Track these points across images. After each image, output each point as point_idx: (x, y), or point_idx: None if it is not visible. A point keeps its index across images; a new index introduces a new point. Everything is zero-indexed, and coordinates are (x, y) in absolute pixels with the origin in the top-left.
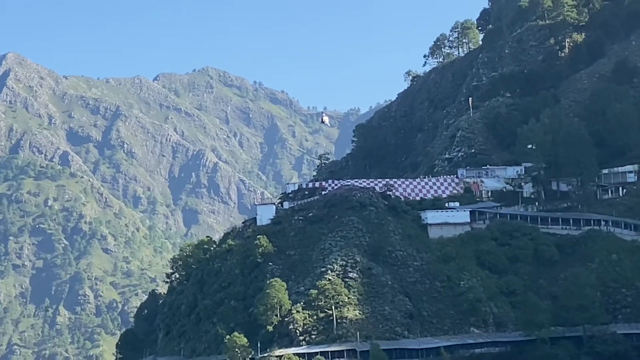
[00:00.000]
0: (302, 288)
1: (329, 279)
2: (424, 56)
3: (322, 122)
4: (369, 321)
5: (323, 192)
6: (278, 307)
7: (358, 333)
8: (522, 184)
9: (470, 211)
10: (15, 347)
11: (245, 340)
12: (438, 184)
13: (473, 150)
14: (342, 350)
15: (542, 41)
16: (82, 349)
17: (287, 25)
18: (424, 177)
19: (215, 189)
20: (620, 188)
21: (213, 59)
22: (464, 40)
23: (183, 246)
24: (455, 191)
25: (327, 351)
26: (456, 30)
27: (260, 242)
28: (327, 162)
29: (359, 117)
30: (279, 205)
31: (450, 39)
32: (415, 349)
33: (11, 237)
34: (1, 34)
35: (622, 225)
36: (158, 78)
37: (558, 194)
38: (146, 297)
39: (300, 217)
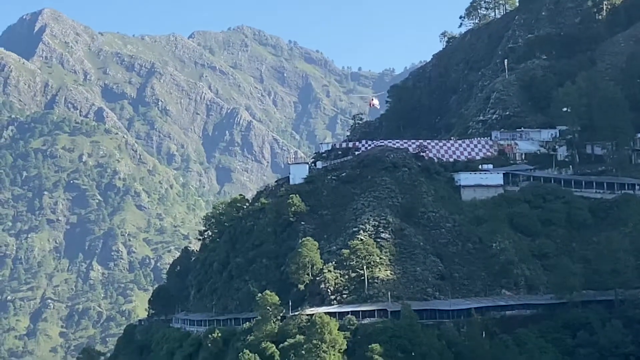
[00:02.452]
0: (334, 247)
1: (361, 239)
2: (460, 17)
3: (371, 106)
4: (400, 281)
5: (356, 152)
6: (310, 266)
7: (389, 293)
8: (557, 147)
9: (503, 173)
10: (49, 301)
11: (277, 298)
12: (472, 145)
13: (507, 113)
14: (373, 310)
15: (579, 3)
16: (115, 304)
17: None
18: (458, 139)
19: (249, 147)
20: None
21: (248, 17)
22: (500, 2)
23: (216, 204)
24: (488, 153)
25: (358, 311)
26: None
27: (292, 201)
28: (360, 122)
29: (394, 77)
30: (312, 164)
31: (487, 0)
32: (446, 310)
33: (46, 192)
34: None
35: None
36: (193, 36)
37: (592, 158)
38: (179, 254)
39: (333, 177)
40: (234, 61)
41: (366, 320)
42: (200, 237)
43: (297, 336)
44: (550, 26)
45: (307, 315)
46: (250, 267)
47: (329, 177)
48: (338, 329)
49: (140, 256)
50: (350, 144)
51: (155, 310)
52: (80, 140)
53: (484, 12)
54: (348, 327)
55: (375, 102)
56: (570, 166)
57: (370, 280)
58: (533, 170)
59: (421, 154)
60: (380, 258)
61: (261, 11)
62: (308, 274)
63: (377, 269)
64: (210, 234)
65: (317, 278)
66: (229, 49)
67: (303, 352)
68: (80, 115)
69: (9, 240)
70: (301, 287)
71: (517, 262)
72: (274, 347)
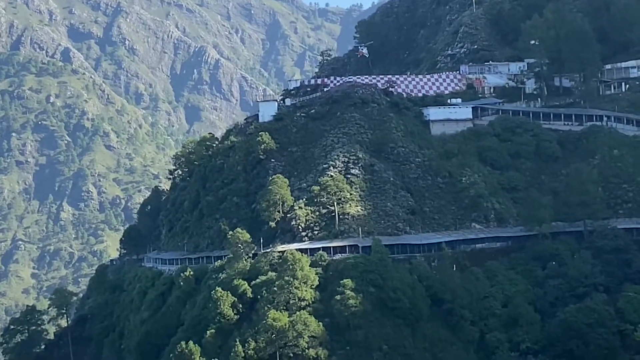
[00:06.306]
0: (305, 184)
1: (331, 175)
2: None
3: (360, 56)
4: (371, 217)
5: (325, 89)
6: (280, 203)
7: (360, 229)
8: (525, 80)
9: (472, 107)
10: (20, 242)
11: (248, 236)
12: (440, 80)
13: (476, 46)
14: (344, 246)
15: None
16: (86, 245)
17: None
18: (427, 74)
19: (217, 85)
20: (623, 83)
21: None
22: None
23: (185, 143)
24: (457, 87)
25: (330, 247)
26: None
27: (262, 139)
28: (329, 58)
29: (362, 13)
30: (281, 102)
31: None
32: (417, 244)
33: (14, 134)
34: None
35: (624, 121)
36: None
37: (561, 90)
38: (149, 193)
39: (302, 114)
40: None
41: (337, 256)
42: (171, 177)
43: (269, 273)
44: None
45: (279, 252)
46: (221, 206)
47: (298, 114)
48: (310, 265)
49: (110, 196)
50: (319, 81)
51: (127, 250)
52: (48, 81)
53: None
54: (319, 263)
55: (365, 51)
56: (539, 99)
57: (341, 216)
58: (502, 104)
59: (390, 89)
60: (351, 194)
61: None
62: (279, 211)
63: (348, 205)
64: (180, 173)
65: (288, 215)
66: None
67: (275, 288)
68: (46, 55)
69: None
70: (272, 224)
71: (487, 196)
72: (246, 284)
